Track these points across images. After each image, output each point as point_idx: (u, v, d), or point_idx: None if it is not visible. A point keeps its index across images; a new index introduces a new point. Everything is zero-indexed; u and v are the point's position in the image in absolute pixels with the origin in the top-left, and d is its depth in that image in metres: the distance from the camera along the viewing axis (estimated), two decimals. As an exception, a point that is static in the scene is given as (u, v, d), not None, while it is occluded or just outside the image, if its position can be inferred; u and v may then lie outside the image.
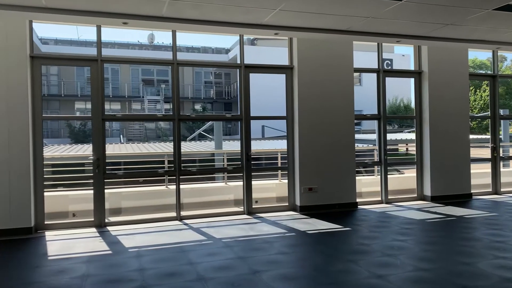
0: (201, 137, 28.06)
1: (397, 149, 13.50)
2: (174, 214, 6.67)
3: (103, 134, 6.33)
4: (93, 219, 6.25)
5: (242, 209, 7.07)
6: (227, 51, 32.35)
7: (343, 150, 7.44)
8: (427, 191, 8.06)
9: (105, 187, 7.47)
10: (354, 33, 5.87)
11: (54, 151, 14.22)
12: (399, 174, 11.92)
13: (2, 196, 5.68)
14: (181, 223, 6.41)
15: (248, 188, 7.09)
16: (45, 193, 6.14)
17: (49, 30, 48.06)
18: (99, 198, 6.30)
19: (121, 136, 27.83)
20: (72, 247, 5.16)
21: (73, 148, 17.02)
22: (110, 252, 4.94)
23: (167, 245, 5.20)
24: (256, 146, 15.28)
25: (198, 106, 32.05)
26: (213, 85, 32.35)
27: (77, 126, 27.71)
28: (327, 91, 7.34)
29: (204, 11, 4.94)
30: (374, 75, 7.90)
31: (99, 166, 6.28)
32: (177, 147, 6.68)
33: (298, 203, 7.25)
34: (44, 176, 6.12)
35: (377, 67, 7.85)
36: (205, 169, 8.36)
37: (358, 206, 7.53)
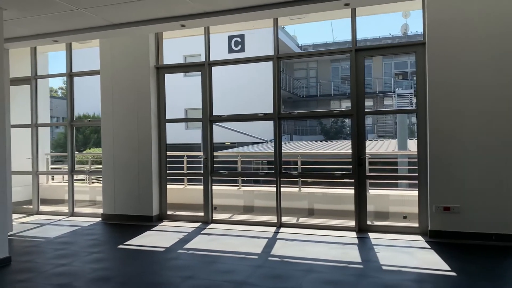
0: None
1: None
2: (275, 219, 6.22)
3: (210, 135, 6.57)
4: (203, 215, 6.62)
5: (353, 225, 5.82)
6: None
7: (507, 154, 4.96)
8: None
9: (242, 184, 7.78)
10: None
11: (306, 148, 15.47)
12: None
13: (133, 188, 6.80)
14: (273, 231, 5.90)
15: (361, 199, 5.77)
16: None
17: (306, 36, 51.84)
18: (206, 195, 6.60)
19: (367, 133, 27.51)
20: (156, 241, 5.64)
21: (324, 145, 17.81)
22: (162, 249, 5.14)
23: (202, 251, 4.94)
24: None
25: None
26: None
27: (327, 124, 29.39)
28: (477, 71, 5.07)
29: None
30: None
31: (207, 165, 6.58)
32: (278, 148, 6.17)
33: (429, 226, 5.36)
34: (168, 172, 6.94)
35: None
36: (307, 173, 7.29)
37: (535, 243, 4.86)
